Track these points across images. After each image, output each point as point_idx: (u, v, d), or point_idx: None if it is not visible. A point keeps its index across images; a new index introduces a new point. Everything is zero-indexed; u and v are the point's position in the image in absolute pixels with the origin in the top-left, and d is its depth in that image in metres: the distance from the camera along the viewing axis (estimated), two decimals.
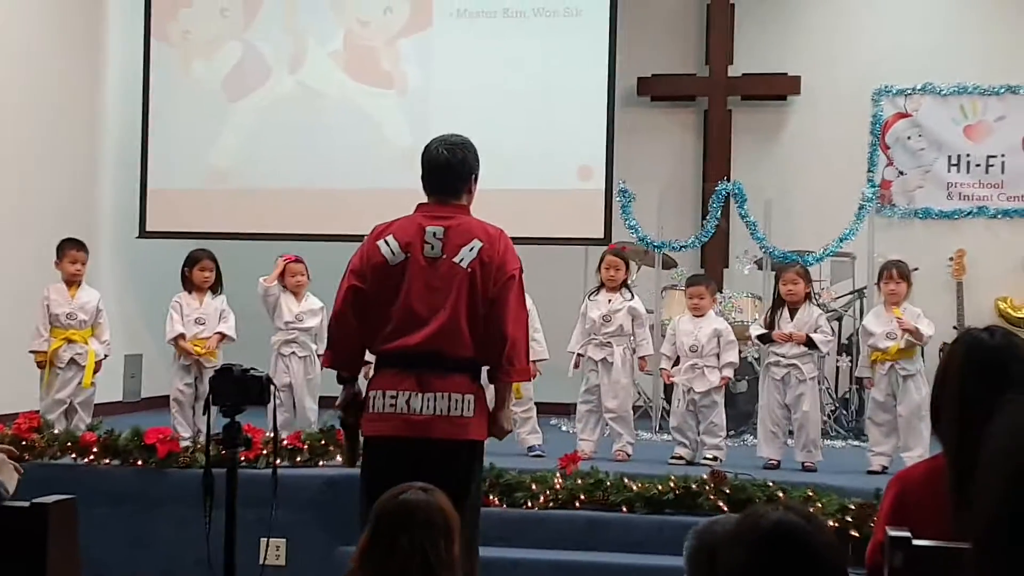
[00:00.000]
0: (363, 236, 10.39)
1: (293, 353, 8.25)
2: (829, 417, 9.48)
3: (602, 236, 10.07)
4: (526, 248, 10.51)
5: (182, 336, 8.15)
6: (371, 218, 10.28)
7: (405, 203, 10.36)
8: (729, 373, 8.11)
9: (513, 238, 10.46)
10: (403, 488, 3.51)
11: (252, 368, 3.97)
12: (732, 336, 8.13)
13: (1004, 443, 1.39)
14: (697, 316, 8.12)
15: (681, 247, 9.80)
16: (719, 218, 9.70)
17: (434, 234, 4.40)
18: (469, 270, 4.36)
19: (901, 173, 11.40)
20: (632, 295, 8.24)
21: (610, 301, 8.14)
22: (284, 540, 6.77)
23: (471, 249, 4.38)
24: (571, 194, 10.21)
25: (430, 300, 4.36)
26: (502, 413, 4.65)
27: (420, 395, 4.35)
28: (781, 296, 8.07)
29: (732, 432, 9.01)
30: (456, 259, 4.36)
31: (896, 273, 8.01)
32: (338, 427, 6.82)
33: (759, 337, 8.16)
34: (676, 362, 8.13)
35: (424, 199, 4.71)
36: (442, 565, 3.40)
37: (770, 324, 8.06)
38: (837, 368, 10.20)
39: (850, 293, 10.29)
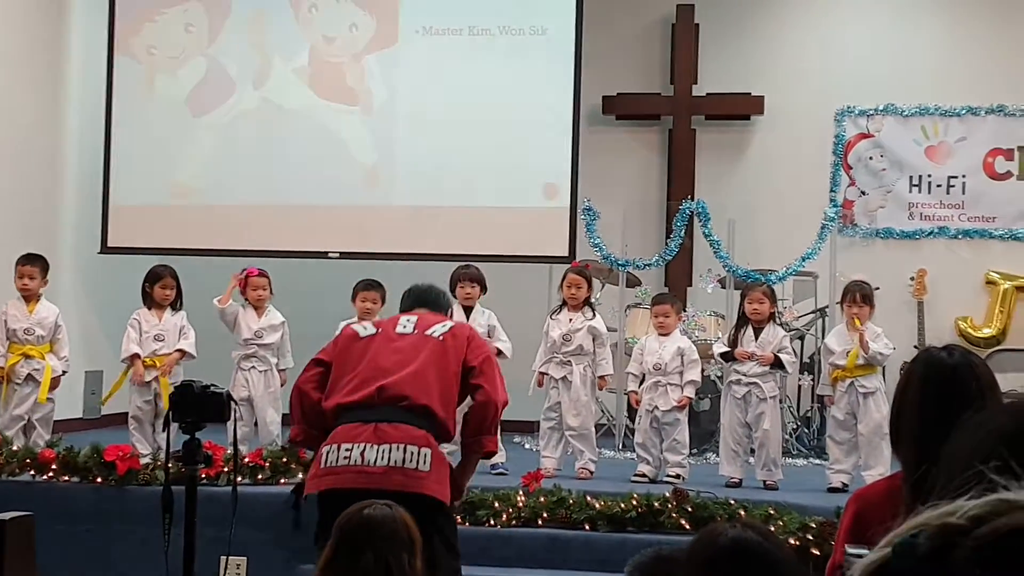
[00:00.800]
0: (327, 252, 10.43)
1: (253, 367, 8.21)
2: (791, 435, 9.51)
3: (566, 254, 10.10)
4: (491, 266, 10.61)
5: (136, 356, 8.06)
6: (335, 234, 10.41)
7: (368, 220, 10.47)
8: (690, 392, 8.12)
9: (478, 255, 10.57)
10: (366, 503, 3.50)
11: (212, 384, 3.94)
12: (695, 355, 8.14)
13: (958, 460, 1.39)
14: (663, 335, 8.14)
15: (645, 265, 9.81)
16: (683, 237, 9.72)
17: (408, 320, 4.59)
18: (440, 339, 4.49)
19: (863, 193, 11.47)
20: (594, 314, 8.25)
21: (571, 320, 8.15)
22: (244, 558, 6.73)
23: (443, 326, 4.55)
24: (536, 212, 10.24)
25: (397, 359, 4.44)
26: (465, 480, 4.68)
27: (375, 447, 4.31)
28: (746, 315, 8.11)
29: (695, 450, 9.02)
30: (428, 332, 4.52)
31: (859, 297, 8.04)
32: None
33: (722, 355, 8.19)
34: (642, 381, 8.14)
35: None
36: None
37: (733, 342, 8.10)
38: (799, 387, 10.22)
39: (812, 312, 10.34)
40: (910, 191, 11.39)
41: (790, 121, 11.49)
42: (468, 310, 8.33)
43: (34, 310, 8.02)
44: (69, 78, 10.64)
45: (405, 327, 4.51)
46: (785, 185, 11.34)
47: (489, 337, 8.05)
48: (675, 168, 11.48)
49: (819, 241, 9.61)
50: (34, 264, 8.09)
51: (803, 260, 9.60)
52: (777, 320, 8.40)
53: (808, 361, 10.32)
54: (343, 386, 4.50)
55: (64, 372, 8.10)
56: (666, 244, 9.99)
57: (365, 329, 4.55)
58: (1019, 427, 1.31)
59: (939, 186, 11.34)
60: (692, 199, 9.98)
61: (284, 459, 7.06)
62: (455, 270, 8.44)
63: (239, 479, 6.92)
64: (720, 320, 9.66)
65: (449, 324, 4.55)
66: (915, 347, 10.68)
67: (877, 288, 10.71)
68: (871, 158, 11.46)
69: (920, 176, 11.38)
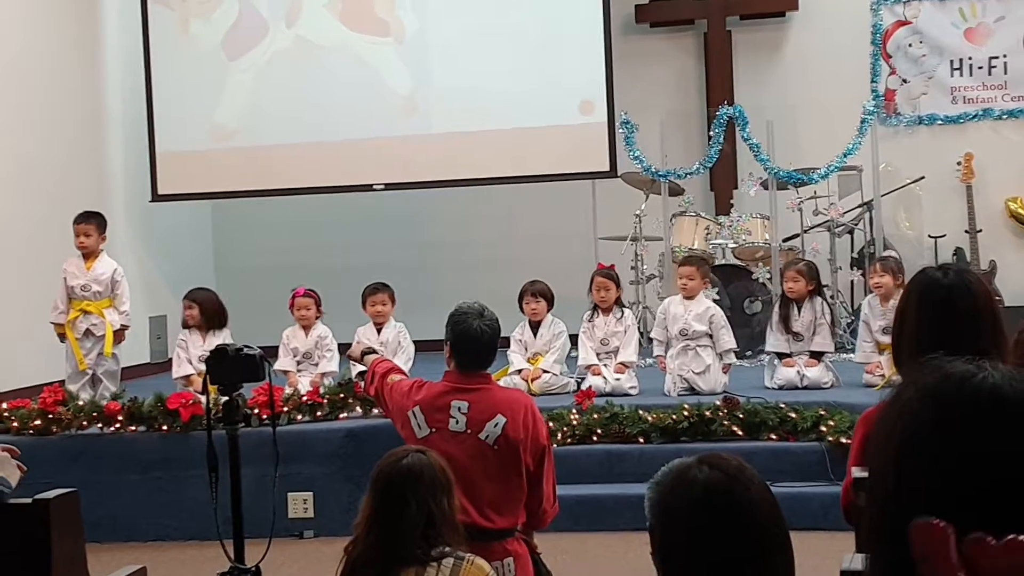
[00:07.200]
0: (371, 185, 10.49)
1: (302, 376, 8.13)
2: (845, 331, 9.49)
3: (607, 169, 10.11)
4: (533, 187, 10.64)
5: (188, 378, 8.12)
6: (378, 166, 10.46)
7: (409, 150, 10.49)
8: (731, 359, 7.92)
9: (518, 177, 10.54)
10: (401, 453, 3.58)
11: (246, 346, 4.03)
12: (724, 320, 7.97)
13: (900, 404, 1.40)
14: (687, 297, 7.96)
15: (686, 174, 9.77)
16: (722, 142, 9.66)
17: (459, 408, 4.37)
18: (495, 448, 4.33)
19: (904, 81, 11.31)
20: (623, 313, 8.16)
21: (606, 324, 8.07)
22: (311, 493, 6.91)
23: (495, 425, 4.34)
24: (574, 129, 10.20)
25: (459, 473, 3.99)
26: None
27: None
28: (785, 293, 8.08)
29: (749, 352, 9.06)
30: (482, 435, 4.33)
31: (879, 267, 8.03)
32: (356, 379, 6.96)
33: (777, 354, 8.08)
34: (668, 347, 7.98)
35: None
36: (446, 521, 3.48)
37: (784, 318, 8.05)
38: (851, 282, 10.20)
39: (859, 206, 10.26)
40: (951, 75, 11.21)
41: (825, 14, 11.31)
42: (536, 325, 8.21)
43: (91, 267, 8.17)
44: (105, 31, 10.70)
45: (458, 422, 4.32)
46: (824, 80, 11.19)
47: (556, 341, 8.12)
48: (712, 72, 11.35)
49: (860, 135, 9.53)
50: (88, 222, 8.22)
51: (844, 156, 9.52)
52: (823, 294, 8.25)
53: (857, 256, 10.28)
54: None
55: (125, 326, 8.24)
56: (708, 151, 9.92)
57: (420, 429, 4.36)
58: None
59: (980, 68, 11.15)
60: (731, 103, 9.91)
61: (341, 395, 7.18)
62: (523, 285, 8.24)
63: (299, 417, 7.13)
64: (766, 222, 9.60)
65: (502, 422, 4.32)
66: (966, 231, 10.62)
67: (922, 177, 10.67)
68: (910, 45, 11.27)
69: (961, 59, 11.18)
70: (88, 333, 8.09)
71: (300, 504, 6.90)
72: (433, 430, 4.34)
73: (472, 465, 4.23)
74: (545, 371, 8.02)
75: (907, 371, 1.50)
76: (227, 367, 3.95)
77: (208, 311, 8.23)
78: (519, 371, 8.06)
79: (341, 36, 10.57)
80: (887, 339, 7.49)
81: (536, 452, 4.40)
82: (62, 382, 7.94)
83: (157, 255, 11.03)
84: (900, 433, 1.32)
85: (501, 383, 7.42)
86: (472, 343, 4.42)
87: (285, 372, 8.09)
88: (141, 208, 10.83)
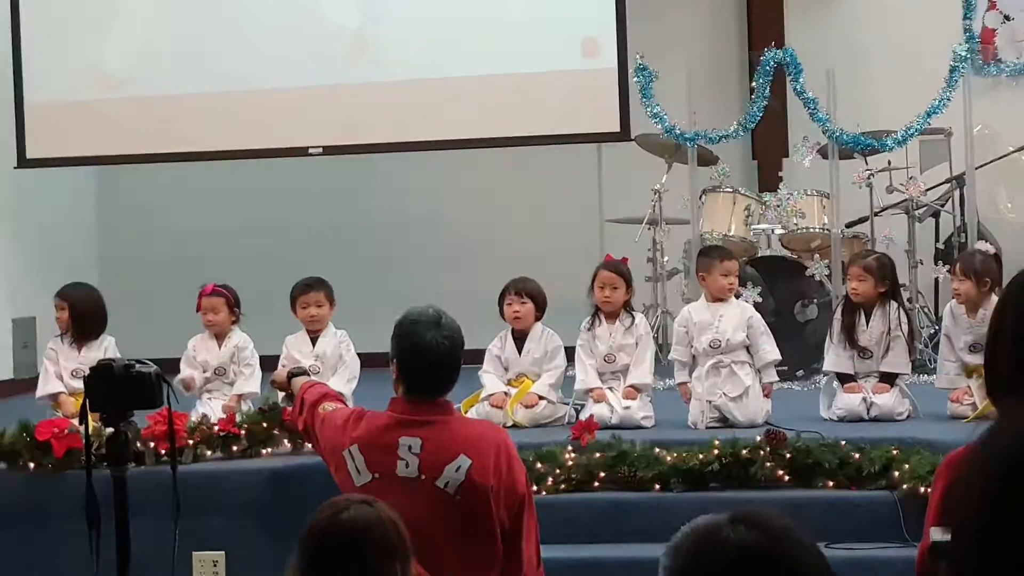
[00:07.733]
0: (307, 149, 10.47)
1: (213, 398, 8.10)
2: (926, 345, 9.52)
3: (618, 129, 10.12)
4: (521, 153, 10.66)
5: (56, 397, 8.11)
6: (315, 124, 10.46)
7: (357, 102, 10.48)
8: (772, 377, 7.91)
9: (502, 139, 10.54)
10: (341, 504, 3.57)
11: (138, 361, 4.02)
12: (764, 326, 7.94)
13: (996, 452, 1.43)
14: (717, 300, 7.94)
15: (721, 137, 9.78)
16: (768, 97, 9.66)
17: (409, 448, 4.37)
18: (455, 498, 4.34)
19: (1007, 18, 11.35)
20: (633, 319, 8.11)
21: (611, 334, 8.03)
22: (222, 553, 6.90)
23: (457, 469, 4.35)
24: (575, 76, 10.22)
25: (410, 530, 3.87)
26: None
27: None
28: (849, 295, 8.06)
29: (801, 372, 9.08)
30: (439, 482, 4.34)
31: (959, 268, 7.87)
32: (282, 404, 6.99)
33: (837, 375, 8.04)
34: (692, 368, 7.93)
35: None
36: None
37: (847, 328, 8.02)
38: (936, 280, 10.21)
39: (946, 181, 10.29)
40: None
41: None
42: (521, 337, 8.16)
43: None
44: None
45: (408, 465, 4.34)
46: (902, 17, 11.23)
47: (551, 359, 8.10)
48: (756, 6, 11.39)
49: (948, 88, 9.52)
50: None
51: (928, 116, 9.51)
52: (899, 296, 8.22)
53: (943, 247, 10.30)
54: None
55: None
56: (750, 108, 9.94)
57: (359, 473, 4.39)
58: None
59: None
60: (780, 45, 9.92)
61: (264, 424, 7.17)
62: (507, 283, 8.18)
63: (209, 453, 7.13)
64: (824, 201, 9.63)
65: (465, 464, 4.33)
66: None
67: None
68: None
69: None
70: None
71: (208, 567, 6.90)
72: (375, 475, 4.34)
73: (428, 521, 4.22)
74: (542, 398, 7.99)
75: (1005, 406, 1.52)
76: (113, 389, 3.94)
77: (80, 314, 8.13)
78: (490, 396, 8.03)
79: None
80: (975, 359, 7.50)
81: (512, 504, 4.41)
82: None
83: (24, 240, 11.00)
84: (995, 482, 1.34)
85: (470, 414, 7.44)
86: (424, 360, 4.45)
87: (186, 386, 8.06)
88: (3, 177, 10.80)
